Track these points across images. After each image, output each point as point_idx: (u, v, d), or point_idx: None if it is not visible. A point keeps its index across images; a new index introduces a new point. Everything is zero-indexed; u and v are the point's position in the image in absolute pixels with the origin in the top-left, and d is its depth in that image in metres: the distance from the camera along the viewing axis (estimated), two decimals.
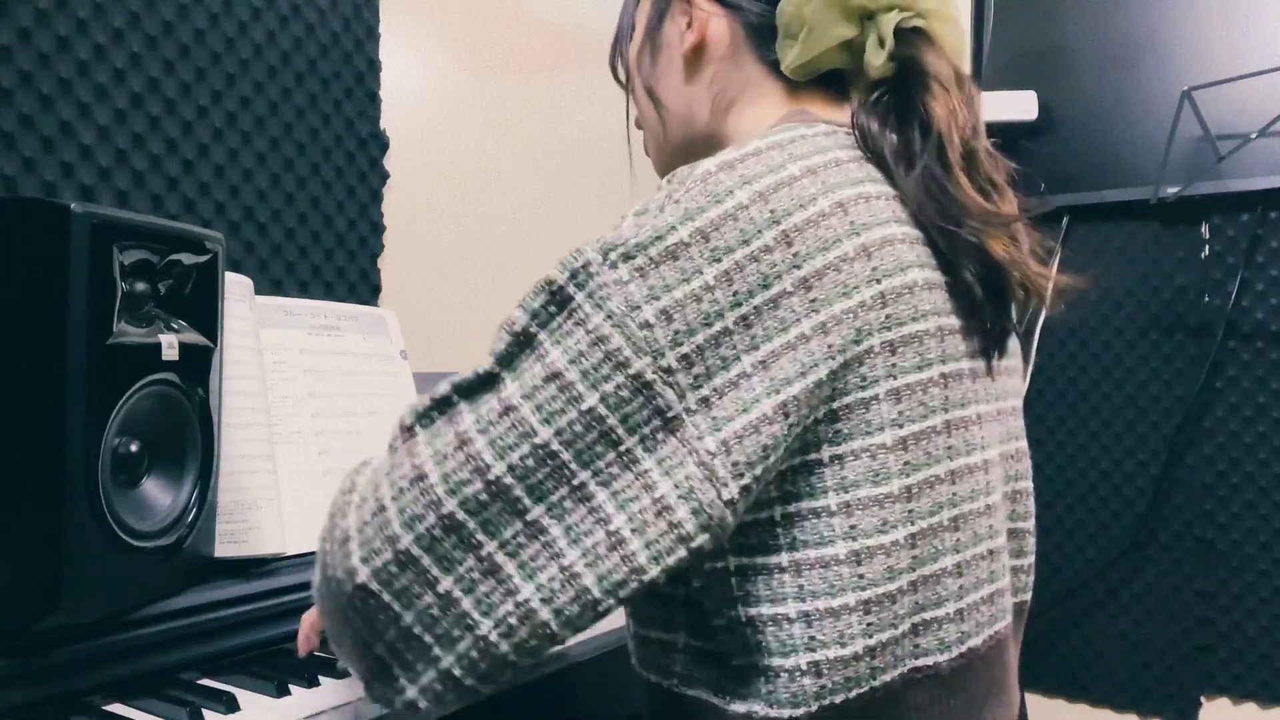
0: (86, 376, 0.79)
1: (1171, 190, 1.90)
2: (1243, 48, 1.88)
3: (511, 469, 0.60)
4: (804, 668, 0.64)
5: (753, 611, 0.65)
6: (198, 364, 0.92)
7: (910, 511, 0.65)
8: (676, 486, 0.60)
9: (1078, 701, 2.11)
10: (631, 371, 0.60)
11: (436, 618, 0.61)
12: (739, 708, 0.66)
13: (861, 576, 0.64)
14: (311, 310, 1.22)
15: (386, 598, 0.61)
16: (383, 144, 1.59)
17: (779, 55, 0.79)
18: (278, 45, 1.43)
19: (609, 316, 0.61)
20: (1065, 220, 2.03)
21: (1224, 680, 1.97)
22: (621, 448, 0.61)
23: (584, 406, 0.60)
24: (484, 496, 0.60)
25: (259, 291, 1.12)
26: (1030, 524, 0.81)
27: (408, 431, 0.64)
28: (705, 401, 0.61)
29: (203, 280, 0.93)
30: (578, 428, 0.60)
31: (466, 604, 0.61)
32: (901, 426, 0.65)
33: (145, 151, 1.26)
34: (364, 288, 1.56)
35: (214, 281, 0.95)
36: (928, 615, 0.67)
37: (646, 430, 0.61)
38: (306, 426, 1.14)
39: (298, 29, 1.45)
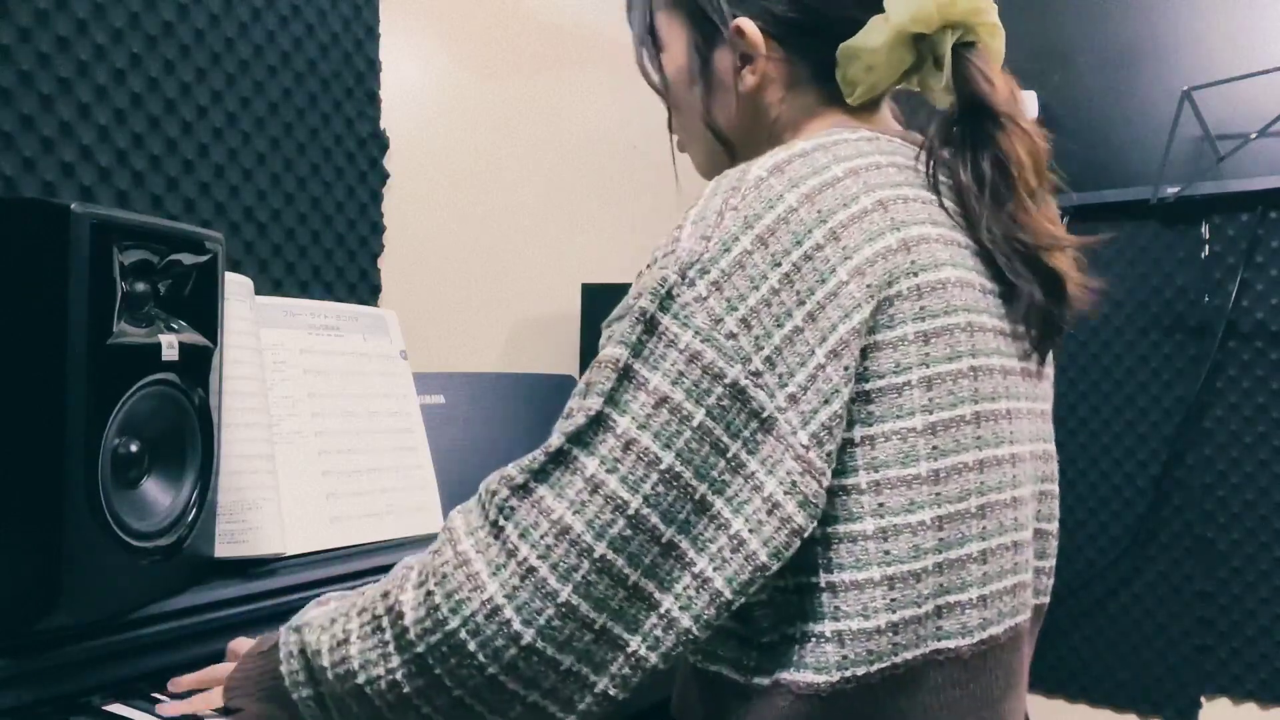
0: (86, 376, 0.79)
1: (1171, 190, 1.90)
2: (1243, 48, 1.88)
3: (646, 499, 0.63)
4: (828, 635, 0.67)
5: (780, 582, 0.68)
6: (198, 364, 0.92)
7: (937, 494, 0.69)
8: (780, 483, 0.64)
9: (1078, 701, 2.11)
10: (728, 381, 0.64)
11: (592, 651, 0.64)
12: (761, 680, 0.69)
13: (887, 553, 0.67)
14: (311, 310, 1.22)
15: (550, 651, 0.63)
16: (383, 144, 1.59)
17: (843, 89, 0.80)
18: (278, 45, 1.43)
19: (697, 333, 0.64)
20: (1065, 220, 2.03)
21: (1224, 680, 1.97)
22: (729, 454, 0.64)
23: (695, 423, 0.64)
24: (628, 532, 0.63)
25: (259, 291, 1.12)
26: (1054, 526, 0.83)
27: (522, 490, 0.65)
28: (793, 398, 0.64)
29: (203, 280, 0.93)
30: (693, 444, 0.64)
31: (617, 629, 0.64)
32: (931, 413, 0.69)
33: (145, 151, 1.26)
34: (364, 288, 1.56)
35: (214, 281, 0.95)
36: (951, 599, 0.70)
37: (747, 433, 0.65)
38: (306, 426, 1.14)
39: (298, 29, 1.45)
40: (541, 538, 0.63)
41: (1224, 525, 1.96)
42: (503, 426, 1.46)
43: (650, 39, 0.88)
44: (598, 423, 0.65)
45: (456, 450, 1.37)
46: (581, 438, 0.65)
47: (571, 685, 0.65)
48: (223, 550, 0.99)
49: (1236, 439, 1.96)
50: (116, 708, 0.82)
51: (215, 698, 0.82)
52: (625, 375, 0.65)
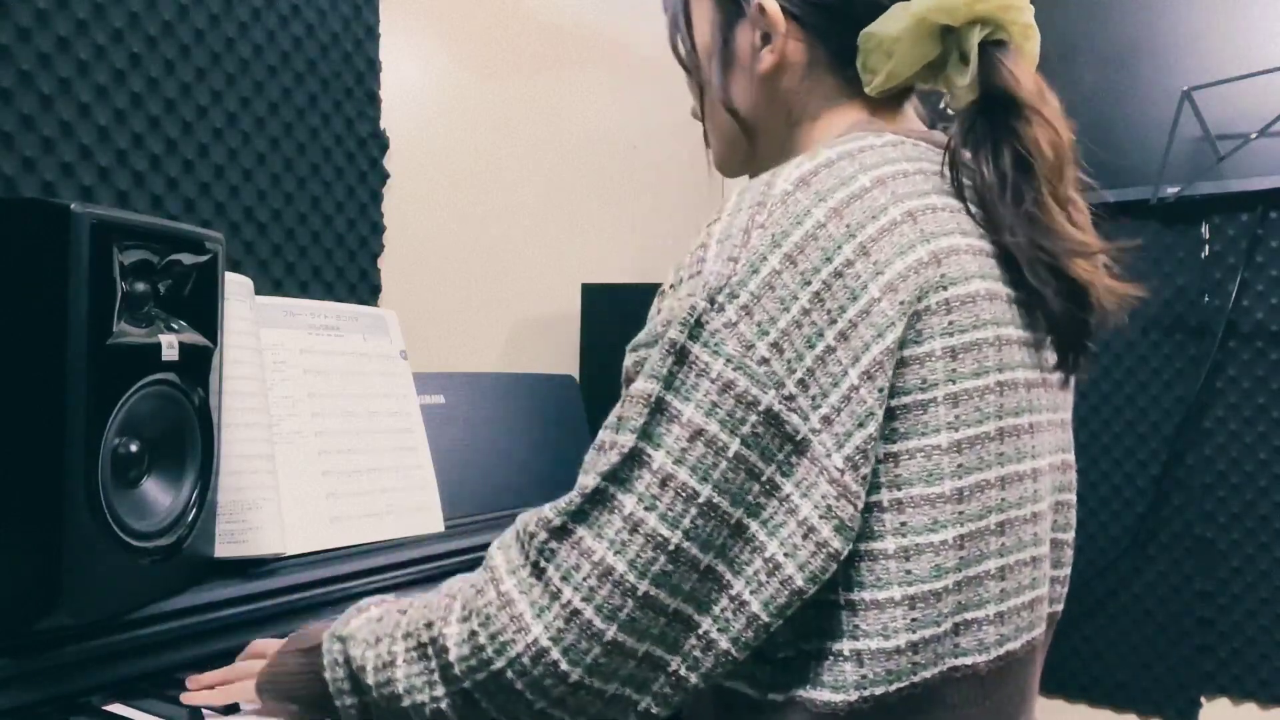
0: (86, 376, 0.79)
1: (1171, 190, 1.90)
2: (1243, 48, 1.88)
3: (686, 534, 0.63)
4: (846, 654, 0.66)
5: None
6: (198, 364, 0.92)
7: (960, 513, 0.67)
8: (815, 507, 0.63)
9: (1077, 701, 2.11)
10: (761, 408, 0.63)
11: (635, 675, 0.65)
12: (777, 697, 0.68)
13: (909, 572, 0.66)
14: (311, 310, 1.22)
15: (597, 683, 0.64)
16: (383, 144, 1.59)
17: (862, 77, 0.79)
18: (278, 45, 1.43)
19: (728, 361, 0.63)
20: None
21: (1224, 680, 1.97)
22: (763, 478, 0.64)
23: (730, 454, 0.63)
24: (669, 567, 0.63)
25: (259, 291, 1.12)
26: (1070, 535, 0.82)
27: (561, 532, 0.65)
28: (827, 420, 0.63)
29: (203, 280, 0.93)
30: (730, 474, 0.63)
31: (658, 651, 0.65)
32: (956, 430, 0.67)
33: (145, 151, 1.26)
34: (364, 288, 1.56)
35: (214, 281, 0.95)
36: (969, 616, 0.68)
37: (780, 456, 0.64)
38: (306, 426, 1.14)
39: (298, 29, 1.45)
40: (584, 580, 0.63)
41: (1224, 525, 1.96)
42: (503, 426, 1.46)
43: (684, 17, 0.87)
44: (633, 459, 0.64)
45: (456, 450, 1.37)
46: (617, 475, 0.64)
47: (616, 707, 0.66)
48: (223, 550, 0.99)
49: (1236, 439, 1.96)
50: (116, 708, 0.82)
51: (243, 690, 0.82)
52: (658, 408, 0.64)
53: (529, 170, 1.91)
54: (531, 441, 1.49)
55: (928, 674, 0.67)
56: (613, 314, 1.78)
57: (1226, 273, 1.95)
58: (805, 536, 0.63)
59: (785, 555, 0.64)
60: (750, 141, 0.85)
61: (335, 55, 1.51)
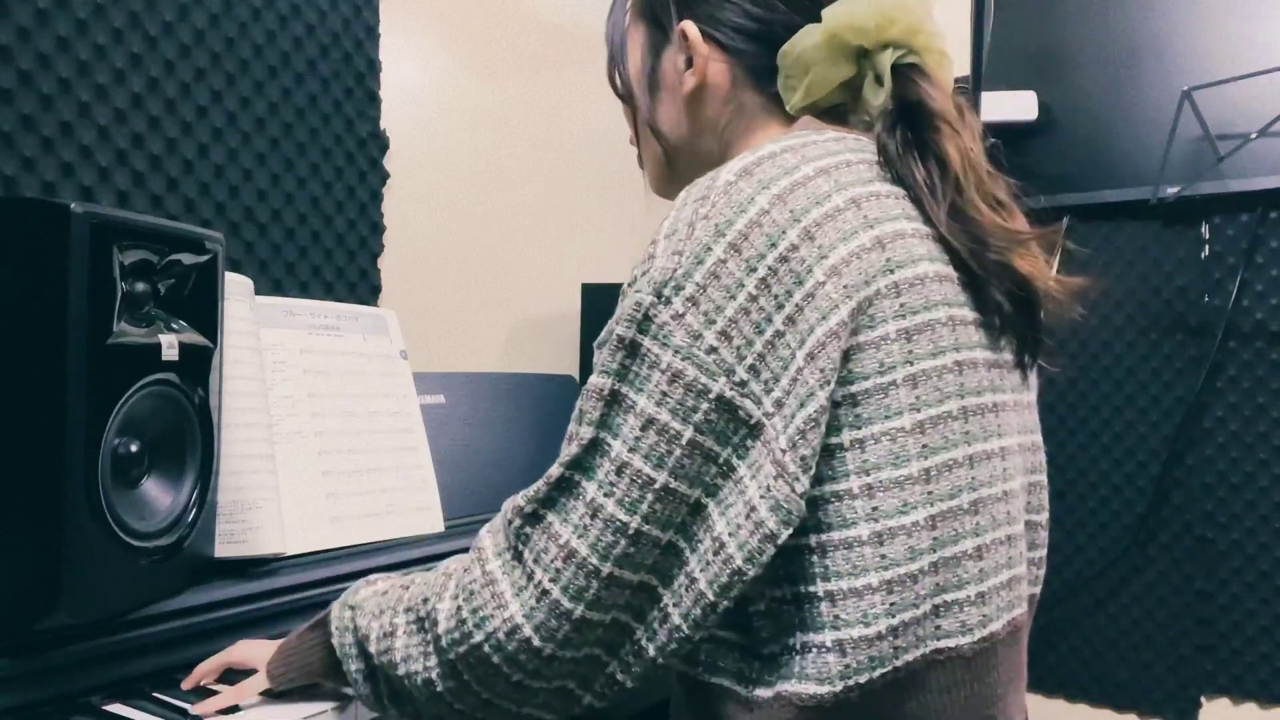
0: (87, 376, 0.79)
1: (1171, 190, 1.90)
2: (1243, 48, 1.87)
3: (644, 517, 0.66)
4: (829, 645, 0.67)
5: (778, 592, 0.68)
6: (198, 364, 0.92)
7: (929, 493, 0.68)
8: (759, 487, 0.65)
9: (1078, 701, 2.11)
10: (713, 395, 0.65)
11: (604, 636, 0.69)
12: (763, 693, 0.69)
13: (884, 557, 0.67)
14: (311, 310, 1.22)
15: (568, 654, 0.69)
16: (383, 144, 1.59)
17: (782, 96, 0.82)
18: (278, 45, 1.43)
19: (677, 351, 0.65)
20: (1065, 220, 2.03)
21: (1224, 680, 1.97)
22: (720, 460, 0.66)
23: (684, 440, 0.65)
24: (630, 549, 0.66)
25: (259, 291, 1.12)
26: (1044, 517, 0.83)
27: (533, 517, 0.69)
28: (779, 403, 0.65)
29: (203, 280, 0.93)
30: (685, 460, 0.65)
31: (625, 617, 0.69)
32: (919, 411, 0.68)
33: (145, 151, 1.26)
34: (364, 288, 1.56)
35: (214, 281, 0.95)
36: (949, 597, 0.69)
37: (736, 440, 0.66)
38: (306, 426, 1.15)
39: (298, 29, 1.45)
40: (552, 562, 0.67)
41: (1224, 525, 1.96)
42: (503, 426, 1.46)
43: (620, 49, 0.91)
44: (594, 447, 0.67)
45: (456, 450, 1.37)
46: (581, 463, 0.67)
47: (587, 667, 0.70)
48: (223, 550, 0.99)
49: (1236, 439, 1.95)
50: (116, 708, 0.82)
51: (252, 686, 0.85)
52: (613, 399, 0.67)
53: (529, 170, 1.91)
54: (531, 441, 1.49)
55: (910, 657, 0.67)
56: (612, 314, 1.78)
57: (1226, 273, 1.95)
58: (747, 516, 0.65)
59: (729, 535, 0.65)
60: (671, 163, 0.88)
61: (335, 55, 1.51)
